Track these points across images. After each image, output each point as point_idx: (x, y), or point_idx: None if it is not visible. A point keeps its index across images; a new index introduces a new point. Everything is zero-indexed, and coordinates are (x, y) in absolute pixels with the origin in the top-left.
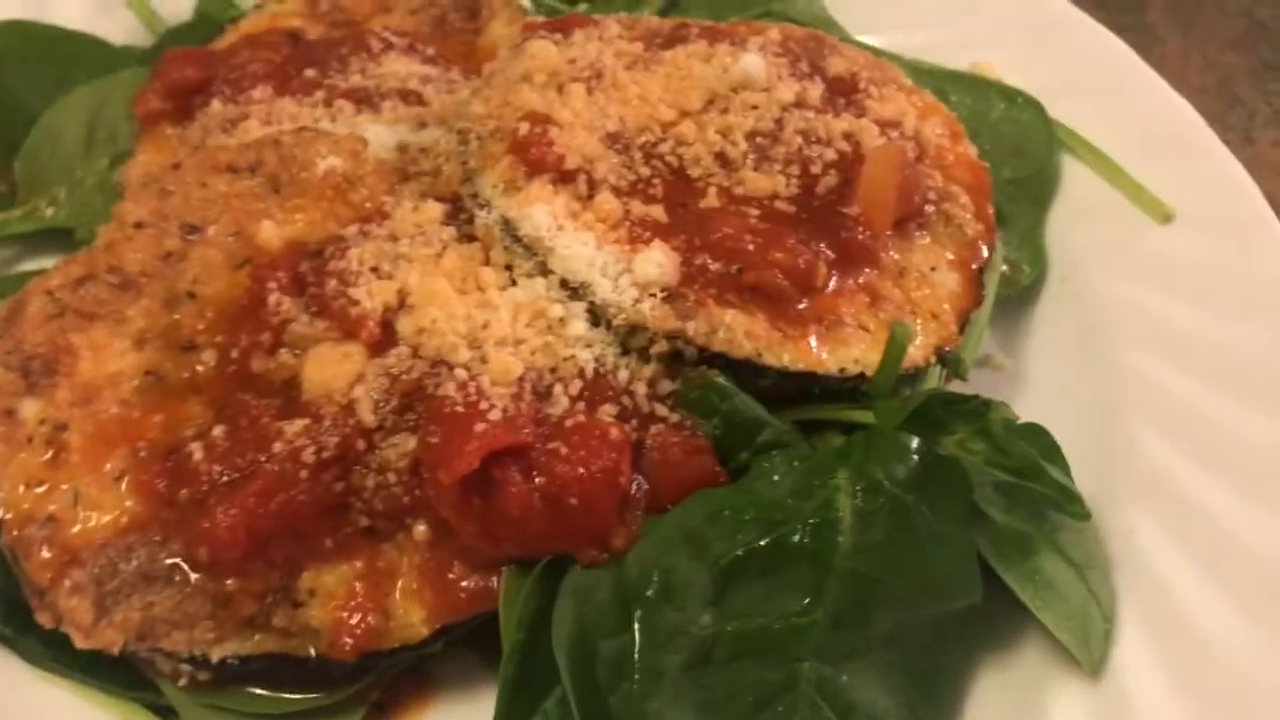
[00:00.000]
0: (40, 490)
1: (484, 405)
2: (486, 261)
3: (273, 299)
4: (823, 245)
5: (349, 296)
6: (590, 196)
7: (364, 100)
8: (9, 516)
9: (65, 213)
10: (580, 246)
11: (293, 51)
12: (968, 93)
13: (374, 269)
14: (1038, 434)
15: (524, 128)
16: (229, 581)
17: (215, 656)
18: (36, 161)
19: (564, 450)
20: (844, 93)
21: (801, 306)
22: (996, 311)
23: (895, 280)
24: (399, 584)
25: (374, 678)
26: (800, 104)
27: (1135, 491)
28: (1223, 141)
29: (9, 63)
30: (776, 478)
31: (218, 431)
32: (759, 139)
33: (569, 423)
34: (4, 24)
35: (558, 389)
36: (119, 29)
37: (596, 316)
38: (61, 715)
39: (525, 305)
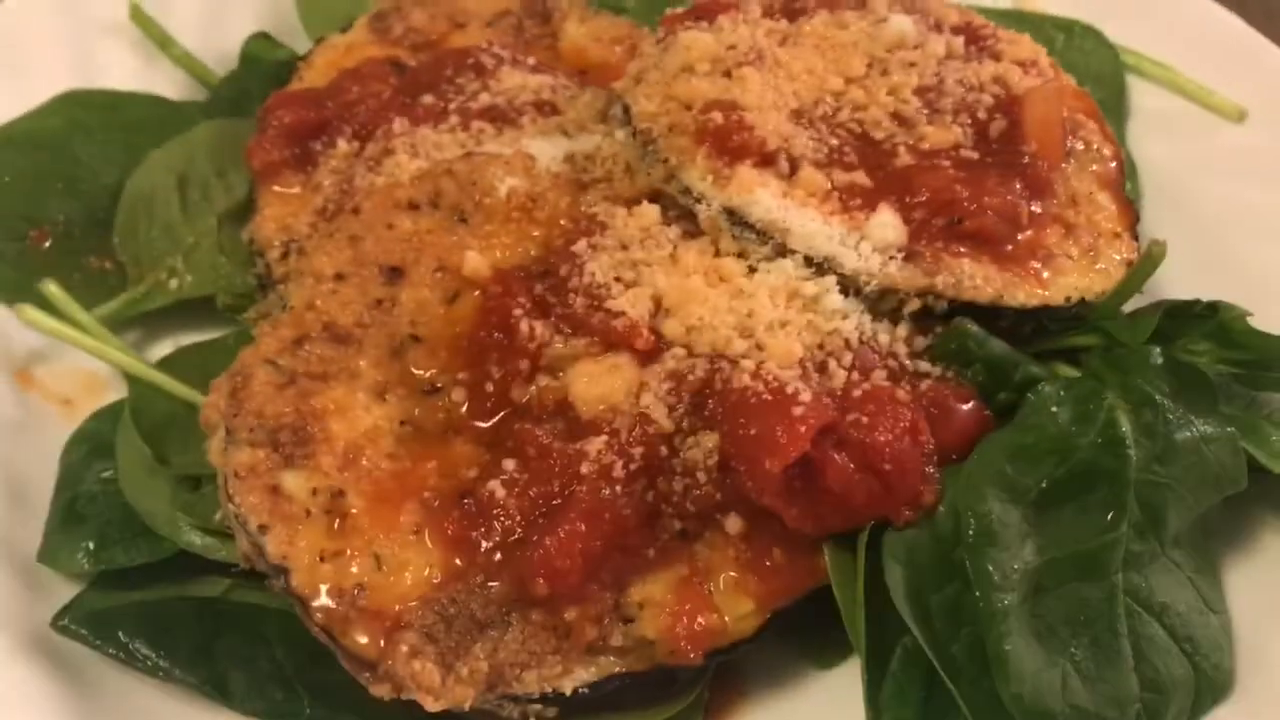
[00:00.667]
0: (337, 562)
1: (790, 390)
2: (718, 253)
3: (524, 325)
4: (1016, 185)
5: (608, 310)
6: (793, 174)
7: (500, 118)
8: (311, 595)
9: (192, 281)
10: (812, 223)
11: (401, 80)
12: (1025, 29)
13: (617, 279)
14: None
15: (718, 117)
16: (567, 611)
17: (567, 689)
18: (135, 234)
19: (865, 420)
20: (971, 41)
21: (1010, 247)
22: None
23: (1073, 208)
24: (722, 579)
25: (706, 679)
26: (950, 55)
27: None
28: None
29: (75, 136)
30: (1054, 409)
31: (510, 465)
32: (926, 94)
33: (856, 393)
34: (61, 97)
35: (831, 363)
36: (167, 82)
37: (845, 287)
38: None
39: (778, 288)
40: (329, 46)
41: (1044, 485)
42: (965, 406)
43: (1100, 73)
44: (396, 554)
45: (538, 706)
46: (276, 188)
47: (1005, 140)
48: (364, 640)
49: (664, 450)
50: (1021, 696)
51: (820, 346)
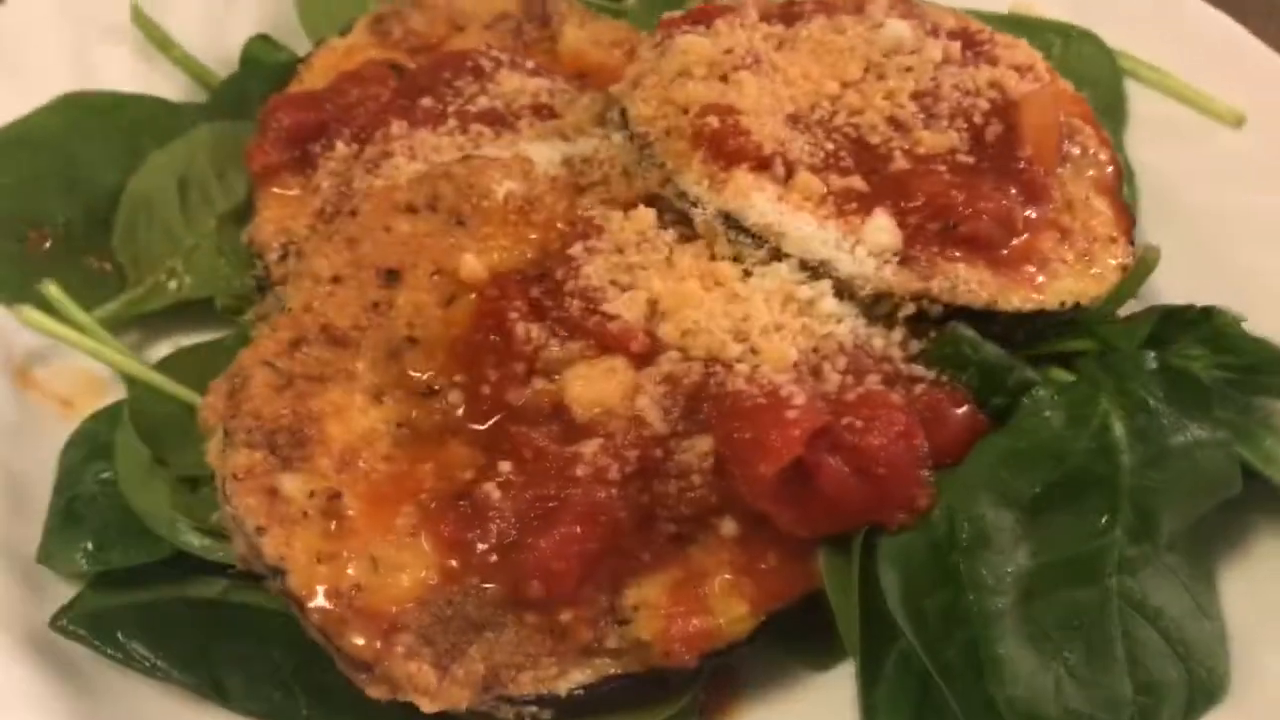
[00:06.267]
0: (333, 563)
1: (784, 393)
2: (714, 257)
3: (520, 328)
4: (1011, 189)
5: (604, 313)
6: (789, 178)
7: (498, 121)
8: (308, 596)
9: (191, 282)
10: (807, 227)
11: (400, 83)
12: (1021, 33)
13: (613, 282)
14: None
15: (714, 121)
16: (562, 613)
17: (563, 691)
18: (135, 236)
19: (859, 424)
20: (968, 45)
21: (1005, 251)
22: None
23: (1069, 213)
24: (716, 582)
25: (700, 681)
26: (947, 60)
27: None
28: None
29: (76, 137)
30: (1047, 414)
31: (505, 467)
32: (922, 99)
33: (850, 397)
34: (62, 99)
35: (826, 367)
36: (167, 84)
37: (839, 291)
38: None
39: (774, 292)
40: (328, 49)
41: (1038, 490)
42: (959, 411)
43: (1097, 78)
44: (392, 556)
45: (533, 708)
46: (276, 189)
47: (1001, 145)
48: (360, 641)
49: (659, 453)
50: (1015, 700)
51: (815, 350)
